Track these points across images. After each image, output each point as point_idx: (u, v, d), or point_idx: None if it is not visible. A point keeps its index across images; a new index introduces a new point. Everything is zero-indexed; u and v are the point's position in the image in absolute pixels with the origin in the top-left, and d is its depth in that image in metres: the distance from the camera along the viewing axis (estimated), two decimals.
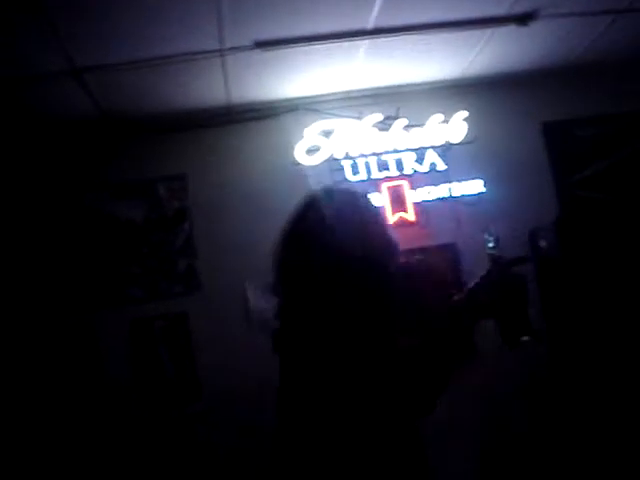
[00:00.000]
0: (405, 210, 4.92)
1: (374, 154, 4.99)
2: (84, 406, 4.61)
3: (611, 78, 5.13)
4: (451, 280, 4.86)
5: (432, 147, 5.02)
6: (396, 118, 4.95)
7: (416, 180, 5.01)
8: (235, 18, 3.70)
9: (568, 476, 4.40)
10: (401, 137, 4.97)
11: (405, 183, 4.97)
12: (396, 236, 2.29)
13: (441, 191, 4.99)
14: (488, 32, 4.33)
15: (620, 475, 4.04)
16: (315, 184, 4.86)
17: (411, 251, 4.85)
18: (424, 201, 4.97)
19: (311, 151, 4.92)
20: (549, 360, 4.72)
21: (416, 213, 4.94)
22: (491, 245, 2.26)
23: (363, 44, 4.25)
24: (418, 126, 4.98)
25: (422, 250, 4.87)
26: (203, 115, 4.91)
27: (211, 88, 4.58)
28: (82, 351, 4.68)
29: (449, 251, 4.92)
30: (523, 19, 4.19)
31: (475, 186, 5.00)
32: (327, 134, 4.92)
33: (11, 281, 4.66)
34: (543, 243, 4.76)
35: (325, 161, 4.93)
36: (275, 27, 3.90)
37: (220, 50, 4.06)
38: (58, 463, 4.43)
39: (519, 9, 4.10)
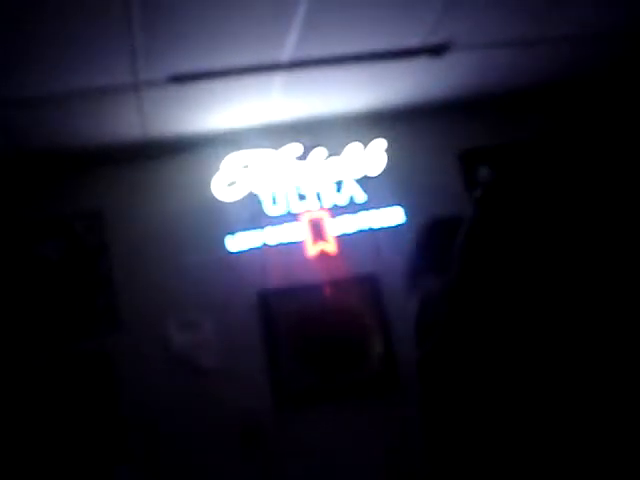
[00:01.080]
0: (325, 241, 4.92)
1: (293, 186, 4.98)
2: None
3: (525, 107, 5.25)
4: (368, 311, 4.90)
5: (351, 178, 5.04)
6: (315, 150, 4.97)
7: (336, 211, 5.01)
8: (148, 52, 3.67)
9: None
10: (320, 169, 4.98)
11: (325, 215, 4.97)
12: None
13: (361, 222, 5.00)
14: (404, 64, 4.38)
15: None
16: (234, 218, 4.86)
17: (332, 282, 4.86)
18: (344, 232, 4.98)
19: (230, 184, 4.89)
20: None
21: (336, 244, 4.94)
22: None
23: (279, 77, 4.25)
24: (337, 158, 5.00)
25: (343, 281, 4.89)
26: (119, 150, 4.84)
27: (126, 123, 4.52)
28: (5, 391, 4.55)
29: (370, 281, 4.92)
30: (437, 51, 4.26)
31: (395, 216, 5.02)
32: (246, 167, 4.90)
33: None
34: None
35: (244, 194, 4.91)
36: (190, 61, 3.88)
37: (134, 84, 4.01)
38: None
39: (433, 41, 4.16)
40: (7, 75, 3.68)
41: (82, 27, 3.34)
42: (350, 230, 4.98)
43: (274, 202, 4.95)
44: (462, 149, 5.24)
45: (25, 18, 3.19)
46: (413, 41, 4.15)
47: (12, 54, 3.47)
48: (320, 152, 4.96)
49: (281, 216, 4.95)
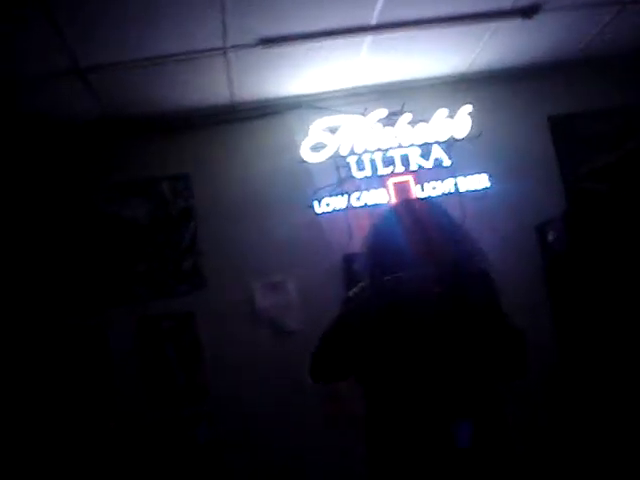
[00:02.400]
0: None
1: (379, 150, 4.96)
2: (91, 404, 4.61)
3: (617, 70, 5.11)
4: None
5: (437, 142, 5.00)
6: (401, 114, 4.93)
7: (421, 175, 4.98)
8: (238, 15, 3.69)
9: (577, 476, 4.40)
10: (406, 133, 4.95)
11: (410, 179, 4.95)
12: None
13: (447, 186, 4.97)
14: (492, 26, 4.31)
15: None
16: (320, 181, 4.88)
17: None
18: (430, 196, 4.94)
19: (316, 148, 4.90)
20: (559, 358, 4.70)
21: None
22: None
23: (367, 40, 4.23)
24: (423, 121, 4.96)
25: None
26: (207, 113, 4.90)
27: (214, 86, 4.57)
28: (90, 349, 4.68)
29: None
30: (527, 12, 4.17)
31: (480, 181, 4.98)
32: (332, 131, 4.91)
33: (18, 282, 4.66)
34: (551, 237, 4.74)
35: (330, 158, 4.91)
36: (278, 24, 3.90)
37: (223, 48, 4.05)
38: (62, 462, 4.44)
39: (523, 2, 4.09)
40: (97, 41, 3.76)
41: None
42: (436, 194, 4.94)
43: (360, 165, 4.95)
44: (552, 113, 5.15)
45: None
46: (503, 3, 4.08)
47: (101, 19, 3.53)
48: (406, 116, 4.93)
49: (367, 179, 4.95)
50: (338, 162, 4.94)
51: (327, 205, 4.88)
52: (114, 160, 4.94)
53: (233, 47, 4.05)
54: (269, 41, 4.03)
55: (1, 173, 4.76)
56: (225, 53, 4.11)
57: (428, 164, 4.99)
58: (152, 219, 4.90)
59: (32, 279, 4.69)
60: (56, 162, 4.87)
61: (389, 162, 4.98)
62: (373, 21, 4.03)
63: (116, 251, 4.85)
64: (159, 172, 4.95)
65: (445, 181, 4.97)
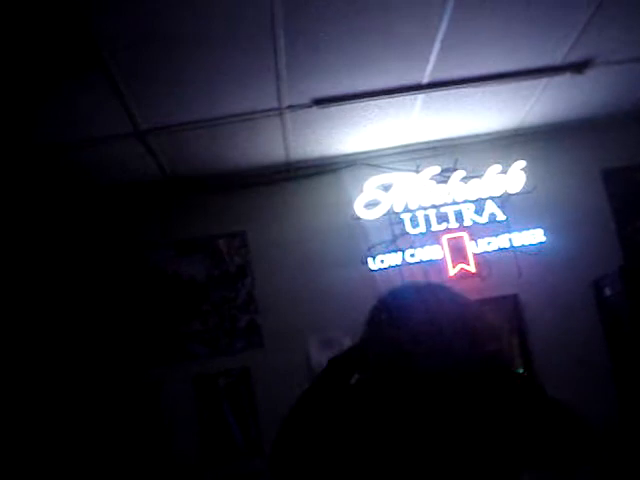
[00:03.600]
0: (466, 261, 4.90)
1: (433, 206, 4.99)
2: (148, 462, 4.64)
3: None
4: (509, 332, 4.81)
5: (491, 198, 5.00)
6: (454, 170, 4.96)
7: (476, 231, 4.98)
8: (292, 77, 3.78)
9: None
10: (459, 189, 4.97)
11: (465, 234, 4.95)
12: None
13: (501, 242, 4.96)
14: (544, 82, 4.34)
15: None
16: (375, 237, 4.90)
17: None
18: (484, 252, 4.94)
19: (370, 205, 4.95)
20: (620, 412, 4.62)
21: (477, 264, 4.91)
22: None
23: (419, 98, 4.29)
24: (476, 177, 4.98)
25: (483, 301, 4.82)
26: (263, 172, 4.99)
27: (270, 145, 4.66)
28: (146, 407, 4.73)
29: (511, 302, 4.87)
30: (578, 67, 4.19)
31: (535, 236, 4.96)
32: (386, 188, 4.95)
33: (75, 339, 4.74)
34: (608, 292, 4.70)
35: (384, 215, 4.95)
36: (332, 84, 3.97)
37: (279, 109, 4.13)
38: None
39: (574, 58, 4.10)
40: (160, 103, 3.87)
41: (231, 56, 3.48)
42: (490, 250, 4.95)
43: (414, 222, 4.98)
44: (605, 166, 5.12)
45: (181, 50, 3.35)
46: (553, 59, 4.10)
47: (165, 84, 3.65)
48: (460, 172, 4.95)
49: (421, 235, 4.96)
50: (392, 219, 4.97)
51: (382, 262, 4.90)
52: (173, 218, 5.05)
53: (289, 107, 4.14)
54: (323, 101, 4.10)
55: (65, 233, 4.89)
56: (281, 114, 4.20)
57: (482, 220, 5.00)
58: (208, 276, 4.97)
59: (90, 337, 4.77)
60: (115, 221, 5.00)
61: (443, 218, 4.99)
62: (425, 80, 4.09)
63: (173, 308, 4.92)
64: (216, 230, 5.03)
65: (500, 236, 4.96)
